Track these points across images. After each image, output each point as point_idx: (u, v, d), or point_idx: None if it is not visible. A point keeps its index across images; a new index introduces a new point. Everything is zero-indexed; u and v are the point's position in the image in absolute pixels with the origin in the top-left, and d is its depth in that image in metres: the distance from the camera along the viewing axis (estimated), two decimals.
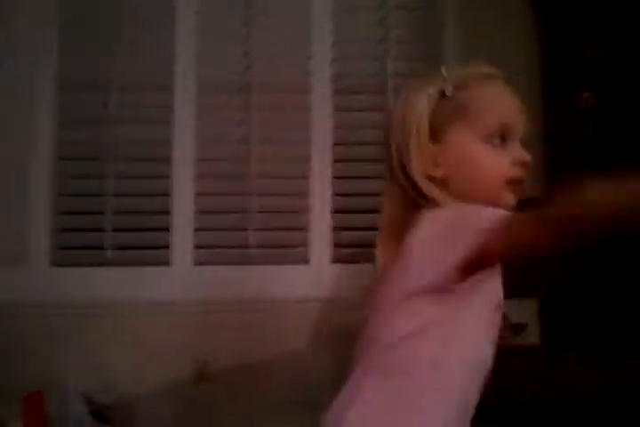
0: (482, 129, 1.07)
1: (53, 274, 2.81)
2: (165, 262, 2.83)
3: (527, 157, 1.09)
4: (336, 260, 2.88)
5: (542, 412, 2.06)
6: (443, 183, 1.08)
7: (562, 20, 2.87)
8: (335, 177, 2.92)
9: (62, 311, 2.74)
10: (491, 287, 1.09)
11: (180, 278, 2.82)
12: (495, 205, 1.04)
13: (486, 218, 0.96)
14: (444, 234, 0.98)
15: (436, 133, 1.08)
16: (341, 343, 2.73)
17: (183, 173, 2.87)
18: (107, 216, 2.82)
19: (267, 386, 2.77)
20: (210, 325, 2.77)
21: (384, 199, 1.13)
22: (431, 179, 1.07)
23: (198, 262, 2.85)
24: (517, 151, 1.08)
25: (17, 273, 2.78)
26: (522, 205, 2.49)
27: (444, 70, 1.14)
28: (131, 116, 2.88)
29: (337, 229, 2.88)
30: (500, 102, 1.10)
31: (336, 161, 2.93)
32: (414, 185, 1.07)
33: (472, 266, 0.97)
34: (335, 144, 2.94)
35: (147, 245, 2.84)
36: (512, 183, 1.07)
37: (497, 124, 1.07)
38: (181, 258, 2.84)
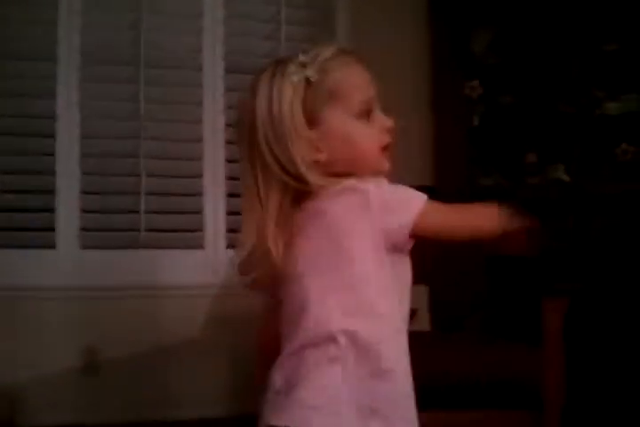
0: (353, 107, 1.11)
1: None
2: (51, 246, 2.71)
3: (391, 122, 1.14)
4: (231, 245, 2.87)
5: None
6: (325, 167, 1.11)
7: (450, 9, 2.96)
8: (228, 160, 2.88)
9: None
10: (404, 270, 1.14)
11: (66, 263, 2.71)
12: (376, 173, 1.11)
13: (419, 199, 1.08)
14: (379, 206, 1.06)
15: (310, 120, 1.10)
16: (235, 330, 2.77)
17: (68, 150, 2.74)
18: None
19: (157, 375, 2.75)
20: (99, 311, 2.69)
21: (263, 193, 1.11)
22: (313, 165, 1.10)
23: (85, 246, 2.74)
24: (382, 120, 1.14)
25: None
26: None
27: (301, 57, 1.14)
28: (12, 87, 2.70)
29: (231, 213, 2.86)
30: (361, 79, 1.14)
31: (228, 143, 2.89)
32: (296, 177, 1.08)
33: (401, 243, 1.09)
34: (228, 125, 2.89)
35: (30, 226, 2.70)
36: (385, 150, 1.13)
37: (363, 100, 1.12)
38: (67, 241, 2.73)
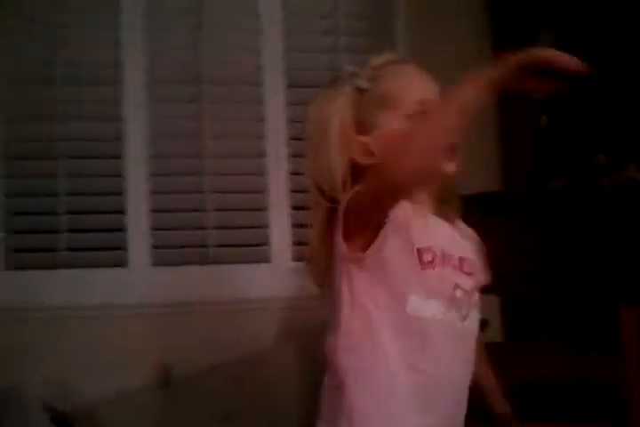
0: (408, 108, 1.10)
1: (6, 278, 2.70)
2: (123, 264, 2.76)
3: None
4: (298, 258, 2.87)
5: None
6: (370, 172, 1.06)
7: (513, 9, 2.91)
8: (292, 173, 2.89)
9: (16, 317, 2.65)
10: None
11: (138, 280, 2.76)
12: (440, 175, 1.08)
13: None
14: None
15: (364, 126, 1.11)
16: (306, 343, 2.76)
17: (136, 170, 2.80)
18: (60, 217, 2.72)
19: (232, 390, 2.76)
20: (172, 328, 2.73)
21: (312, 208, 1.12)
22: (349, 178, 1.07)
23: (156, 263, 2.79)
24: None
25: None
26: (482, 200, 2.52)
27: (349, 68, 1.18)
28: (78, 111, 2.78)
29: (295, 226, 2.86)
30: (413, 81, 1.13)
31: (292, 156, 2.90)
32: (329, 193, 1.07)
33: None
34: (291, 139, 2.90)
35: (103, 246, 2.76)
36: (448, 150, 1.06)
37: (417, 100, 1.10)
38: (138, 259, 2.78)
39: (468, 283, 1.07)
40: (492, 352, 2.21)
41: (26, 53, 2.76)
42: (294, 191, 2.86)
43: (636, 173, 2.69)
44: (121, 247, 2.76)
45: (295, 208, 2.85)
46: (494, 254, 2.51)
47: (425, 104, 1.10)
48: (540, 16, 2.89)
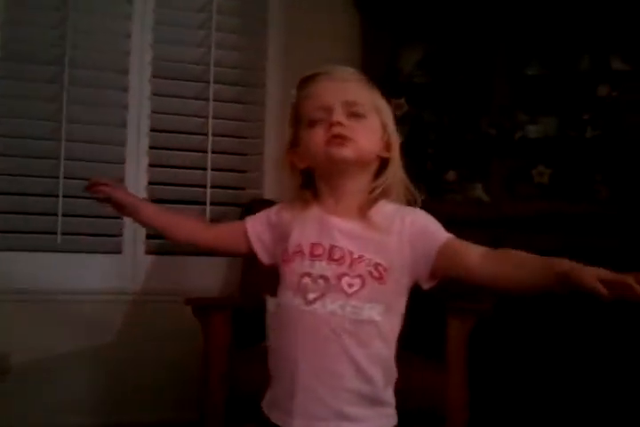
0: (306, 117, 1.22)
1: None
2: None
3: (335, 118, 1.18)
4: (149, 251, 2.84)
5: None
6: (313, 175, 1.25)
7: (381, 27, 2.99)
8: (151, 165, 2.86)
9: None
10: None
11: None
12: (330, 163, 1.19)
13: None
14: None
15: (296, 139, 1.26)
16: (151, 336, 2.73)
17: None
18: None
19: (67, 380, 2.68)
20: (6, 316, 2.61)
21: None
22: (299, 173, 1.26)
23: None
24: (330, 119, 1.19)
25: None
26: None
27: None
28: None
29: None
30: (315, 90, 1.22)
31: (151, 148, 2.86)
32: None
33: None
34: (152, 130, 2.86)
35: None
36: (331, 140, 1.18)
37: (314, 108, 1.21)
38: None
39: (332, 270, 1.16)
40: None
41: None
42: (151, 184, 2.83)
43: (482, 193, 2.85)
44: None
45: (152, 200, 2.79)
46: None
47: (323, 109, 1.19)
48: (407, 33, 2.99)
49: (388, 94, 2.92)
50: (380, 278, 1.15)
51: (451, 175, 2.91)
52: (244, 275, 2.66)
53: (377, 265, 1.15)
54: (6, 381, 2.57)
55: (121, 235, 2.79)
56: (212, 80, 2.92)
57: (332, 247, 1.17)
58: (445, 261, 1.16)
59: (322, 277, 1.16)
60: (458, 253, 1.15)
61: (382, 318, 1.15)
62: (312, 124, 1.20)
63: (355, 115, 1.19)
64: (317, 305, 1.15)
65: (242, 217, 2.89)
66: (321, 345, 1.15)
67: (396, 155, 1.24)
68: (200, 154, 2.90)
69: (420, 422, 2.10)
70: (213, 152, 2.91)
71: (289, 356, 1.16)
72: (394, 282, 1.16)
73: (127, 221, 2.77)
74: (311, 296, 1.16)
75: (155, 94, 2.87)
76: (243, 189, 2.99)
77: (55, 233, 2.71)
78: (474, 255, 1.14)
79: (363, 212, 1.20)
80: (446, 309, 2.25)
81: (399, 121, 2.83)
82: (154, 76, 2.88)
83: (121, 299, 2.76)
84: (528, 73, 2.85)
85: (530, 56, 2.87)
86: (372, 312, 1.15)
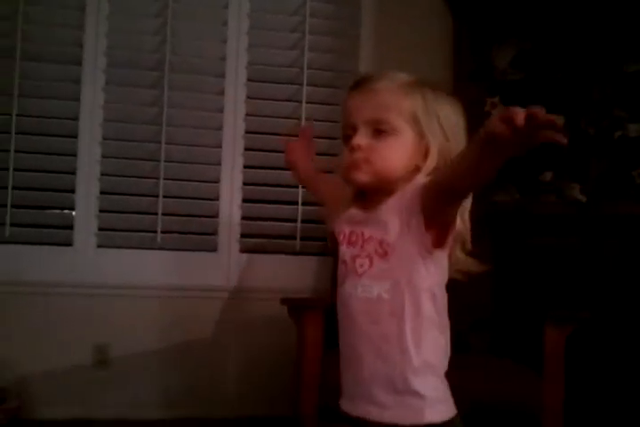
0: (342, 131, 1.23)
1: None
2: (68, 244, 2.77)
3: (355, 141, 1.18)
4: (244, 249, 2.92)
5: None
6: None
7: (474, 25, 2.96)
8: (245, 166, 2.93)
9: None
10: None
11: (84, 261, 2.76)
12: (352, 186, 1.23)
13: None
14: None
15: None
16: (244, 333, 2.80)
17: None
18: (7, 192, 2.73)
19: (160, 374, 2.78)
20: (113, 310, 2.74)
21: None
22: None
23: (101, 245, 2.81)
24: (353, 140, 1.19)
25: None
26: None
27: None
28: (37, 88, 2.76)
29: (245, 218, 2.92)
30: (346, 105, 1.22)
31: (247, 149, 2.94)
32: None
33: None
34: (247, 132, 2.94)
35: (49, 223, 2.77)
36: (350, 165, 1.18)
37: (345, 126, 1.22)
38: (84, 240, 2.78)
39: (349, 253, 1.22)
40: None
41: None
42: (246, 184, 2.91)
43: (579, 194, 2.78)
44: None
45: (245, 201, 2.90)
46: None
47: (350, 126, 1.20)
48: (501, 31, 2.95)
49: (483, 93, 2.92)
50: (384, 255, 1.16)
51: (547, 176, 2.85)
52: (335, 273, 2.68)
53: (381, 242, 1.17)
54: (105, 370, 2.70)
55: (216, 233, 2.87)
56: (305, 82, 2.97)
57: (351, 233, 1.22)
58: (429, 200, 1.11)
59: (343, 261, 1.23)
60: (432, 186, 1.10)
61: (390, 295, 1.15)
62: (345, 140, 1.21)
63: (380, 132, 1.17)
64: (343, 288, 1.22)
65: None
66: (348, 327, 1.20)
67: (430, 164, 1.17)
68: None
69: None
70: None
71: (339, 340, 1.23)
72: (398, 257, 1.15)
73: (222, 220, 2.86)
74: (340, 280, 1.24)
75: (249, 97, 2.94)
76: None
77: (155, 232, 2.82)
78: (439, 177, 1.11)
79: (372, 207, 1.21)
80: (545, 316, 2.22)
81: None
82: (249, 79, 2.94)
83: (215, 296, 2.84)
84: (627, 70, 2.76)
85: (629, 52, 2.77)
86: (381, 290, 1.16)
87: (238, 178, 2.92)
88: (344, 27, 3.05)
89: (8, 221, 2.72)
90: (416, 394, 1.14)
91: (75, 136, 2.80)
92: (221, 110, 2.92)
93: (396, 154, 1.17)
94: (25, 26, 2.76)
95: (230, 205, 2.88)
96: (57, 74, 2.80)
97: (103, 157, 2.82)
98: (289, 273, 2.87)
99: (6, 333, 2.65)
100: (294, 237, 2.90)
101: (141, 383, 2.75)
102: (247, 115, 2.94)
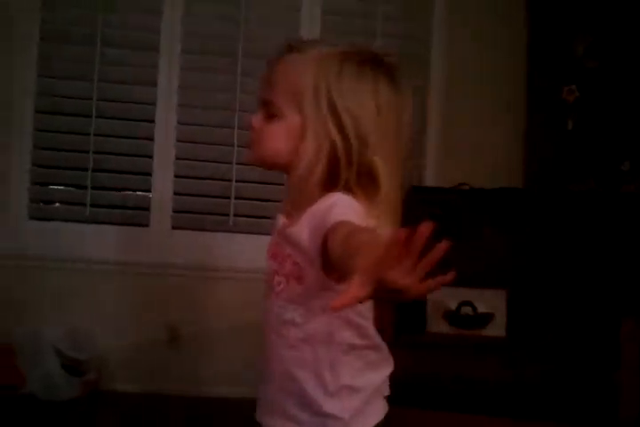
0: None
1: (31, 227, 2.81)
2: (145, 224, 2.86)
3: (250, 121, 1.10)
4: None
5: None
6: None
7: (551, 15, 2.90)
8: None
9: (40, 265, 2.76)
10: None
11: (159, 241, 2.84)
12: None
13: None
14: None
15: None
16: None
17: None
18: (87, 173, 2.82)
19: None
20: (184, 288, 2.81)
21: None
22: None
23: (176, 226, 2.88)
24: (251, 118, 1.11)
25: None
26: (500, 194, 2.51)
27: None
28: (117, 74, 2.84)
29: None
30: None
31: None
32: None
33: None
34: None
35: (128, 205, 2.86)
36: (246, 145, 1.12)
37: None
38: (159, 221, 2.86)
39: (270, 267, 1.11)
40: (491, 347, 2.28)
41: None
42: None
43: None
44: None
45: None
46: (508, 248, 2.54)
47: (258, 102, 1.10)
48: (578, 19, 2.88)
49: (559, 80, 2.86)
50: (299, 279, 1.04)
51: (626, 165, 2.78)
52: None
53: (297, 264, 1.04)
54: (176, 348, 2.77)
55: None
56: None
57: (277, 244, 1.10)
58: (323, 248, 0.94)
59: (267, 274, 1.12)
60: (332, 234, 0.91)
61: (303, 320, 1.05)
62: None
63: (270, 115, 1.07)
64: (264, 301, 1.12)
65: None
66: (264, 342, 1.12)
67: (304, 157, 1.02)
68: None
69: (592, 423, 2.09)
70: None
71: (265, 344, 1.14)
72: (311, 283, 1.02)
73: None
74: (265, 291, 1.13)
75: None
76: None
77: (228, 215, 2.88)
78: (333, 240, 0.89)
79: (292, 216, 1.08)
80: (620, 312, 2.19)
81: (569, 107, 2.79)
82: None
83: None
84: None
85: None
86: (295, 314, 1.06)
87: None
88: (415, 28, 3.02)
89: (88, 202, 2.82)
90: (333, 417, 1.07)
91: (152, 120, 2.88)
92: None
93: (277, 141, 1.06)
94: (103, 14, 2.84)
95: None
96: (135, 60, 2.87)
97: (178, 141, 2.88)
98: None
99: (88, 309, 2.74)
100: None
101: (211, 361, 2.81)
102: None
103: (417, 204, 2.79)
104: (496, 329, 2.44)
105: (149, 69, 2.87)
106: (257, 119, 1.09)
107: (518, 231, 2.56)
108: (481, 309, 2.44)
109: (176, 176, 2.88)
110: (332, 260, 0.88)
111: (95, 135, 2.82)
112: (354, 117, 1.02)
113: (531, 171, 2.85)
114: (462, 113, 2.93)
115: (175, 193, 2.88)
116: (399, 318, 2.26)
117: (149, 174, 2.87)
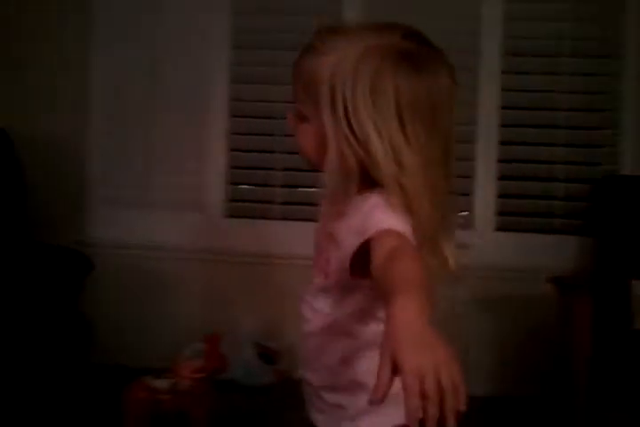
0: None
1: (227, 225, 3.00)
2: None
3: (288, 121, 1.08)
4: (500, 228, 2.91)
5: None
6: None
7: None
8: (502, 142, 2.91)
9: (235, 260, 2.94)
10: None
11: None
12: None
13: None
14: None
15: None
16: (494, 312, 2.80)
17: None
18: (277, 173, 2.96)
19: None
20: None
21: None
22: None
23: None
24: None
25: (192, 220, 3.00)
26: None
27: None
28: None
29: (501, 196, 2.91)
30: None
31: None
32: None
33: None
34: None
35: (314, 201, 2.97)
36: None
37: None
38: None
39: (314, 253, 1.11)
40: None
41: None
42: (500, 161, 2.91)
43: None
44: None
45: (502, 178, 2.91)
46: None
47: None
48: None
49: None
50: (326, 276, 1.05)
51: None
52: (599, 255, 2.64)
53: (328, 260, 1.04)
54: None
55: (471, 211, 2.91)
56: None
57: (320, 230, 1.09)
58: (361, 258, 0.92)
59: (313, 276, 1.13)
60: (377, 247, 0.89)
61: (332, 311, 1.06)
62: None
63: (298, 117, 1.04)
64: (306, 286, 1.13)
65: (593, 194, 2.78)
66: (310, 340, 1.11)
67: (330, 156, 0.98)
68: (550, 130, 2.89)
69: None
70: (564, 127, 2.88)
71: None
72: (336, 280, 1.03)
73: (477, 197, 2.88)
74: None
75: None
76: (597, 164, 2.91)
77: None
78: (377, 257, 0.88)
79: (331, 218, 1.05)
80: None
81: None
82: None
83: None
84: None
85: None
86: (325, 305, 1.06)
87: (494, 152, 2.91)
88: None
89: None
90: (340, 407, 1.08)
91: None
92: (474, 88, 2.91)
93: (306, 141, 1.04)
94: None
95: None
96: None
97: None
98: (544, 252, 2.81)
99: (279, 300, 2.89)
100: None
101: None
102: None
103: (612, 195, 2.69)
104: None
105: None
106: (290, 117, 1.07)
107: None
108: None
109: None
110: (373, 276, 0.87)
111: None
112: (373, 124, 0.94)
113: None
114: None
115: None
116: (599, 315, 2.23)
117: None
